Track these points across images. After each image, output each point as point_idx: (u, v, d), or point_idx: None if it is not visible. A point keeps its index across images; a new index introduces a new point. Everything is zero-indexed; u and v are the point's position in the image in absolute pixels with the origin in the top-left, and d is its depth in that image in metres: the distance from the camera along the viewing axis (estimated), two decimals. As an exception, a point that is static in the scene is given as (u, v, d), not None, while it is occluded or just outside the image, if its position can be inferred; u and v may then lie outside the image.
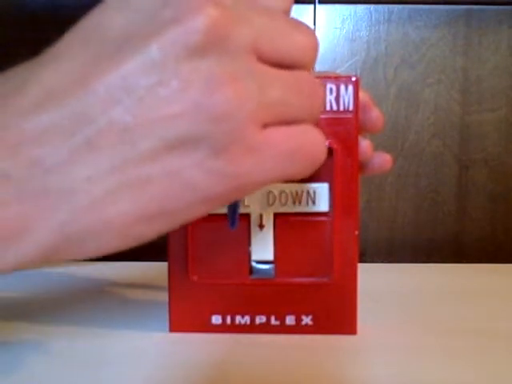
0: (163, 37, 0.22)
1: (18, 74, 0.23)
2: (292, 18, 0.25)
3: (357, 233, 0.40)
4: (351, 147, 0.39)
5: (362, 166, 0.42)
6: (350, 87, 0.39)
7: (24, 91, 0.22)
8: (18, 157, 0.22)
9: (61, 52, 0.23)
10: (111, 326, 0.43)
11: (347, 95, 0.39)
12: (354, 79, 0.39)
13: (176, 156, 0.22)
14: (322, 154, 0.26)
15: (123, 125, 0.22)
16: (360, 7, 0.75)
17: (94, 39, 0.23)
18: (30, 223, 0.22)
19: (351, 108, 0.39)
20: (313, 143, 0.26)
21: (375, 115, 0.41)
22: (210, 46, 0.22)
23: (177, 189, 0.23)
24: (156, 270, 0.46)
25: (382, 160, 0.43)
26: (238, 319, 0.41)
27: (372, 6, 0.75)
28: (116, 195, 0.22)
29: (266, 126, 0.24)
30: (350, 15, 0.75)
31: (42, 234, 0.22)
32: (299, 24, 0.25)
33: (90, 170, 0.22)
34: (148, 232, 0.24)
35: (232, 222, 0.37)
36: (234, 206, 0.37)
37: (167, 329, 0.41)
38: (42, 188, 0.22)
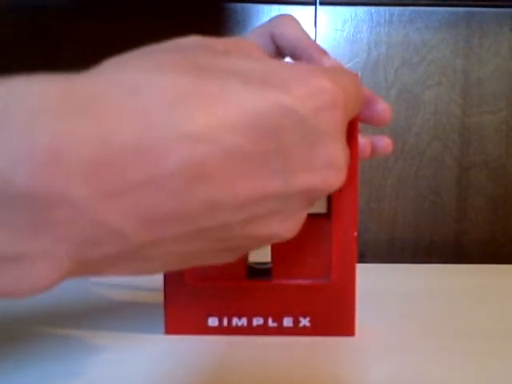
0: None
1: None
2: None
3: (355, 234, 0.40)
4: (351, 147, 0.39)
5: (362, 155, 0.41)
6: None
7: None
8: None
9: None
10: (106, 327, 0.42)
11: (346, 94, 0.38)
12: (352, 78, 0.38)
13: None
14: None
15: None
16: (361, 9, 0.75)
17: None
18: None
19: (350, 107, 0.38)
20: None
21: (381, 108, 0.39)
22: None
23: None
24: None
25: (384, 143, 0.42)
26: (235, 321, 0.41)
27: (373, 8, 0.75)
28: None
29: None
30: (351, 17, 0.75)
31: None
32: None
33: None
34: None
35: None
36: None
37: (163, 331, 0.41)
38: None
